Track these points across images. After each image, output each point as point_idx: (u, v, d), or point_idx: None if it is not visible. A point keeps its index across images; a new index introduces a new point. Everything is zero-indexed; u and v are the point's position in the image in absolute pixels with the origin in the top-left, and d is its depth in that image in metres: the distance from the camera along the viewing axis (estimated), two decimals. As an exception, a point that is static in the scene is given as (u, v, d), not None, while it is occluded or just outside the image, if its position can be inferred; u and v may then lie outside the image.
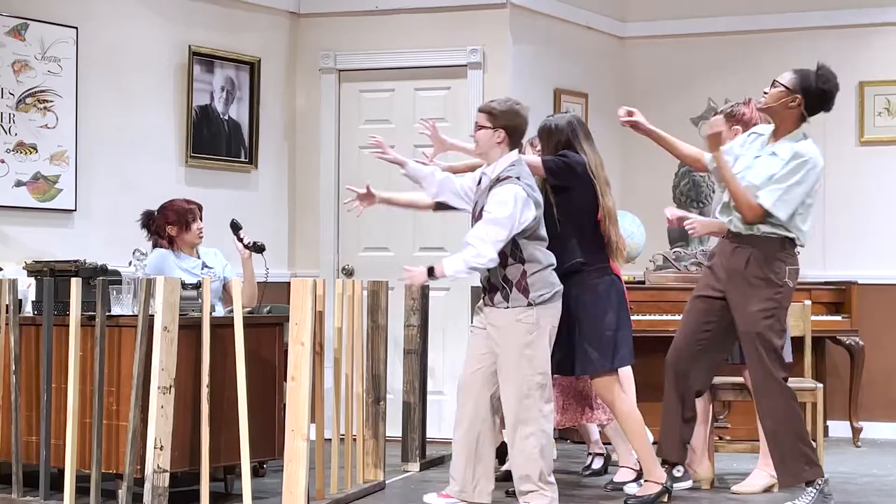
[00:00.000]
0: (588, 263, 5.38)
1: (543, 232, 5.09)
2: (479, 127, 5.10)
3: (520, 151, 5.23)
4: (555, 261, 5.11)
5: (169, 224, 6.05)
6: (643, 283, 7.42)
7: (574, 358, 5.39)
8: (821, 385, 5.93)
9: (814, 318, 6.38)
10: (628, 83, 8.39)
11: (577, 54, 8.10)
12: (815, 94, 5.13)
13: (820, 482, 5.15)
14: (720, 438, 6.11)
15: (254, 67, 7.59)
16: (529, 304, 4.98)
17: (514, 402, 5.02)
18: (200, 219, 6.12)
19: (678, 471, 5.52)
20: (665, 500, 5.38)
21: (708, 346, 5.35)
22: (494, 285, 5.05)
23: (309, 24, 7.87)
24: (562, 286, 5.10)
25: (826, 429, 7.48)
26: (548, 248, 5.15)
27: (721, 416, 6.76)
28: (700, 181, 7.42)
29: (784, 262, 5.17)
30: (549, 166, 5.34)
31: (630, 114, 5.40)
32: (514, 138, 5.07)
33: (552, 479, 5.06)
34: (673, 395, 5.38)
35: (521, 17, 7.64)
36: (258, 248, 6.05)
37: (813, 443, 5.25)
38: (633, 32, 8.43)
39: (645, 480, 5.43)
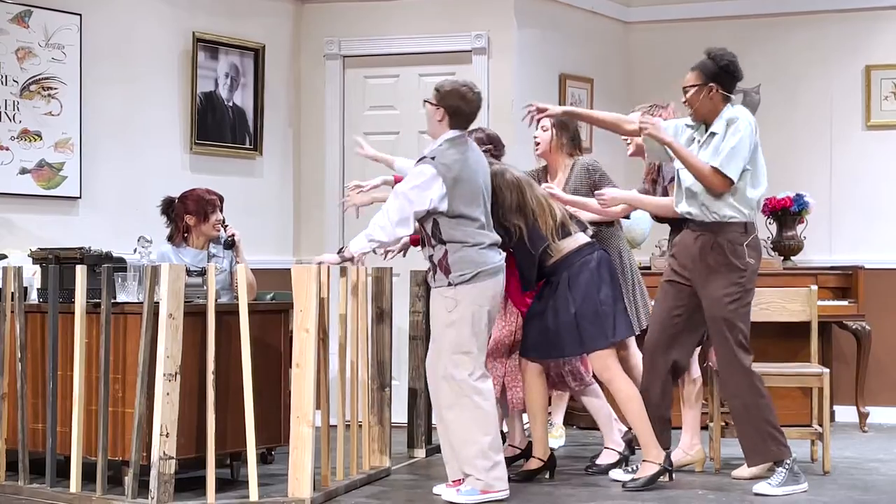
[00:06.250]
0: (566, 244, 5.43)
1: (472, 211, 5.12)
2: (426, 102, 5.27)
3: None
4: (489, 240, 5.15)
5: (188, 213, 6.05)
6: (649, 268, 7.40)
7: (564, 340, 5.39)
8: (827, 370, 5.92)
9: (820, 303, 6.37)
10: (633, 68, 8.36)
11: (582, 39, 8.07)
12: (723, 73, 5.36)
13: (789, 461, 5.28)
14: (727, 424, 6.09)
15: (258, 54, 7.58)
16: (450, 284, 5.10)
17: (439, 379, 5.14)
18: (220, 210, 6.10)
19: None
20: (665, 479, 5.39)
21: (681, 327, 5.47)
22: (429, 266, 5.21)
23: (313, 10, 7.85)
24: (494, 264, 5.14)
25: (833, 414, 7.48)
26: (518, 251, 5.33)
27: (727, 401, 6.74)
28: None
29: (745, 246, 5.30)
30: None
31: (540, 110, 5.51)
32: (455, 119, 5.17)
33: (493, 453, 5.07)
34: (654, 381, 5.46)
35: (526, 2, 7.62)
36: (227, 245, 6.07)
37: (780, 427, 5.35)
38: (637, 17, 8.40)
39: (643, 461, 5.43)
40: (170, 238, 6.08)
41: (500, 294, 5.21)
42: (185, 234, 6.07)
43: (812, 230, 7.77)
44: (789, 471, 5.25)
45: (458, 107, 5.15)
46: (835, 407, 7.56)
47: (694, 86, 5.34)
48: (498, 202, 5.31)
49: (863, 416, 7.44)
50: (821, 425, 5.94)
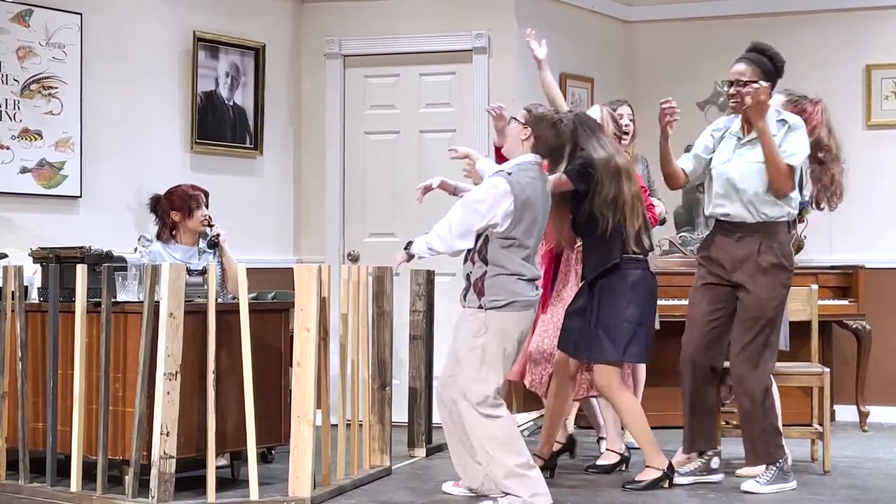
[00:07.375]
0: (628, 254, 5.37)
1: (525, 239, 4.99)
2: (513, 119, 5.15)
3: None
4: (530, 273, 5.02)
5: (173, 210, 6.06)
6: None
7: (591, 344, 5.38)
8: (827, 369, 5.92)
9: (820, 302, 6.37)
10: (634, 67, 8.36)
11: (582, 38, 8.07)
12: (775, 73, 5.39)
13: (781, 461, 5.32)
14: (727, 423, 6.09)
15: (259, 53, 7.58)
16: (480, 307, 4.96)
17: (459, 398, 5.00)
18: (206, 206, 6.11)
19: (714, 462, 5.53)
20: (665, 486, 5.39)
21: (720, 331, 5.45)
22: (465, 284, 5.07)
23: (314, 9, 7.85)
24: (528, 298, 4.99)
25: (833, 413, 7.48)
26: (595, 244, 5.27)
27: (728, 401, 6.74)
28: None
29: (789, 245, 5.32)
30: (572, 177, 5.32)
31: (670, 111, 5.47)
32: (538, 145, 5.07)
33: (523, 471, 4.91)
34: (697, 390, 5.46)
35: (527, 1, 7.62)
36: (210, 244, 6.07)
37: (780, 429, 5.41)
38: (638, 16, 8.40)
39: (647, 466, 5.43)
40: (158, 235, 6.10)
41: (526, 330, 5.08)
42: (173, 231, 6.08)
43: (812, 229, 7.73)
44: (780, 469, 5.30)
45: (547, 136, 5.07)
46: (835, 406, 7.56)
47: (758, 82, 5.27)
48: (596, 191, 5.26)
49: (863, 416, 7.45)
50: (821, 424, 5.94)
